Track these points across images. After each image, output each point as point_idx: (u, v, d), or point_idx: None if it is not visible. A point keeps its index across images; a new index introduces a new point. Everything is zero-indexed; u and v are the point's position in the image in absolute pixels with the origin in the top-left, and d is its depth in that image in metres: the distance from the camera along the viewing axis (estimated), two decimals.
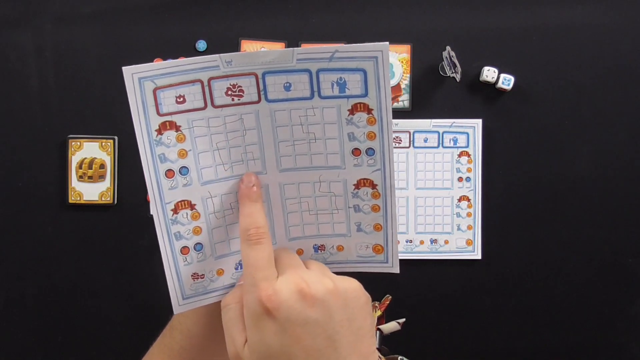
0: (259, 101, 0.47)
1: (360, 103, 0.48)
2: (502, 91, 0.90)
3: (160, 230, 0.47)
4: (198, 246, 0.49)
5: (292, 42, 0.91)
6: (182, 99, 0.46)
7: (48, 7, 0.91)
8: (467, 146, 0.89)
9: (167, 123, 0.46)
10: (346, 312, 0.41)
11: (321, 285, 0.41)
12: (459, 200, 0.91)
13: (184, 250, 0.49)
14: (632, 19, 0.90)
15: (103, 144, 0.90)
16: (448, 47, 0.86)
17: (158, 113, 0.46)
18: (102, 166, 0.90)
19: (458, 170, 0.91)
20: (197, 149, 0.47)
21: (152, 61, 0.91)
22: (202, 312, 0.51)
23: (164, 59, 0.91)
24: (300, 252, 0.51)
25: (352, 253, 0.52)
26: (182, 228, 0.48)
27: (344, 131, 0.49)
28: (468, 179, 0.91)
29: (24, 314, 0.92)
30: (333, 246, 0.52)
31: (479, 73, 0.90)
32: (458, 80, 0.89)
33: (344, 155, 0.49)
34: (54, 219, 0.91)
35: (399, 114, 0.91)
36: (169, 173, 0.47)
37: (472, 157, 0.91)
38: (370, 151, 0.49)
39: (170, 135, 0.47)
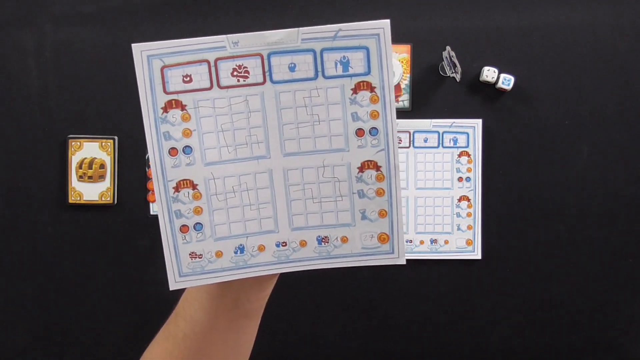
0: (264, 82, 0.48)
1: (363, 81, 0.49)
2: (502, 91, 0.90)
3: (161, 207, 0.48)
4: (198, 226, 0.50)
5: None
6: (188, 79, 0.47)
7: (48, 7, 0.91)
8: (467, 146, 0.89)
9: (173, 102, 0.48)
10: None
11: None
12: (459, 200, 0.91)
13: (184, 228, 0.49)
14: (632, 19, 0.90)
15: (103, 144, 0.90)
16: (448, 47, 0.86)
17: (165, 91, 0.47)
18: (102, 166, 0.90)
19: (458, 170, 0.91)
20: (201, 129, 0.48)
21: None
22: (205, 299, 0.52)
23: None
24: (303, 244, 0.51)
25: (357, 244, 0.52)
26: (182, 207, 0.49)
27: (347, 111, 0.49)
28: (468, 179, 0.91)
29: (24, 314, 0.92)
30: (337, 237, 0.51)
31: (479, 73, 0.90)
32: (458, 80, 0.89)
33: (347, 136, 0.49)
34: (54, 219, 0.91)
35: (399, 114, 0.91)
36: (173, 151, 0.49)
37: (472, 157, 0.91)
38: (373, 131, 0.50)
39: (175, 113, 0.48)
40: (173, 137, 0.49)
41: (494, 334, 0.90)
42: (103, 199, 0.90)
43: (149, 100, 0.47)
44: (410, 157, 0.90)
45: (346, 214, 0.51)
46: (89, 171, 0.90)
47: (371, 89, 0.49)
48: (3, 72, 0.91)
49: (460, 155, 0.90)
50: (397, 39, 0.91)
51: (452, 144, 0.89)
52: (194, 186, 0.49)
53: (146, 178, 0.91)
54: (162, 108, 0.48)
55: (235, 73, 0.48)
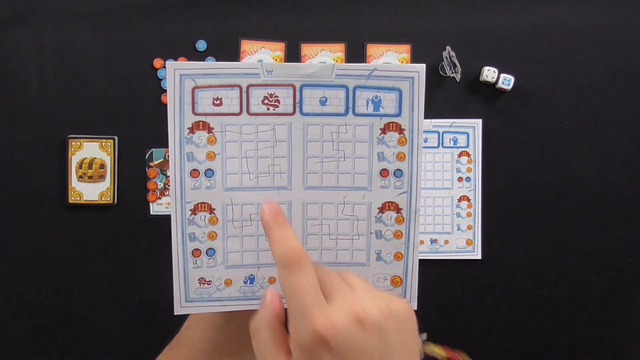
0: (293, 113, 0.48)
1: (393, 122, 0.48)
2: (502, 91, 0.90)
3: (175, 228, 0.48)
4: (210, 251, 0.49)
5: (292, 42, 0.91)
6: (219, 102, 0.47)
7: (48, 7, 0.91)
8: (467, 146, 0.89)
9: (201, 123, 0.47)
10: (400, 335, 0.40)
11: (377, 310, 0.39)
12: (459, 200, 0.91)
13: (196, 252, 0.48)
14: (632, 19, 0.90)
15: (103, 144, 0.90)
16: (448, 47, 0.86)
17: (193, 112, 0.46)
18: (102, 166, 0.90)
19: (458, 170, 0.91)
20: (226, 153, 0.47)
21: (151, 62, 0.92)
22: (210, 328, 0.51)
23: (164, 59, 0.91)
24: None
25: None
26: (197, 230, 0.48)
27: (374, 150, 0.49)
28: (468, 179, 0.91)
29: (24, 314, 0.92)
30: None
31: (479, 73, 0.90)
32: (458, 80, 0.89)
33: (371, 175, 0.49)
34: (54, 219, 0.91)
35: None
36: (194, 173, 0.47)
37: (472, 157, 0.91)
38: (398, 172, 0.49)
39: (201, 135, 0.47)
40: (196, 158, 0.47)
41: (494, 334, 0.90)
42: (103, 199, 0.90)
43: (177, 119, 0.46)
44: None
45: (361, 254, 0.50)
46: (89, 171, 0.90)
47: (400, 130, 0.48)
48: (3, 72, 0.91)
49: (460, 155, 0.90)
50: (397, 39, 0.91)
51: (452, 144, 0.89)
52: (211, 210, 0.48)
53: (146, 178, 0.91)
54: (189, 128, 0.47)
55: (266, 101, 0.47)
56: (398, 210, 0.49)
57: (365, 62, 0.91)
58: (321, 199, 0.49)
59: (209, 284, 0.49)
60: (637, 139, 0.90)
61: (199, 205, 0.48)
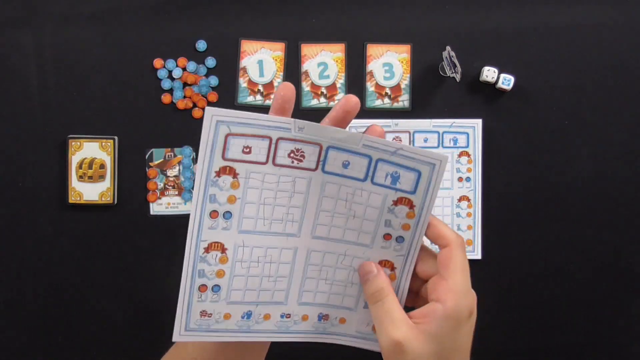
0: (315, 169, 0.50)
1: (405, 198, 0.52)
2: (502, 91, 0.90)
3: (187, 263, 0.50)
4: (216, 288, 0.51)
5: (292, 42, 0.91)
6: (248, 150, 0.49)
7: (48, 7, 0.91)
8: (467, 146, 0.89)
9: (228, 168, 0.49)
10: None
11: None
12: (459, 200, 0.91)
13: (202, 288, 0.51)
14: (632, 19, 0.90)
15: (103, 144, 0.90)
16: (448, 47, 0.86)
17: (223, 157, 0.48)
18: (102, 166, 0.90)
19: (458, 170, 0.91)
20: (246, 198, 0.50)
21: (151, 62, 0.92)
22: (202, 357, 0.54)
23: (164, 59, 0.91)
24: (305, 318, 0.54)
25: (352, 328, 0.55)
26: (207, 267, 0.51)
27: (382, 217, 0.52)
28: (468, 179, 0.91)
29: (24, 314, 0.92)
30: (337, 317, 0.55)
31: (479, 73, 0.90)
32: (458, 80, 0.89)
33: (375, 236, 0.53)
34: (54, 219, 0.91)
35: (399, 114, 0.91)
36: (214, 214, 0.50)
37: (472, 157, 0.91)
38: (400, 239, 0.53)
39: (226, 179, 0.49)
40: (218, 200, 0.49)
41: (494, 334, 0.90)
42: (103, 199, 0.90)
43: (206, 162, 0.48)
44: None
45: (351, 299, 0.54)
46: (89, 171, 0.90)
47: (411, 206, 0.52)
48: (3, 72, 0.91)
49: (460, 155, 0.90)
50: (397, 39, 0.91)
51: (452, 144, 0.89)
52: (223, 249, 0.51)
53: (146, 178, 0.91)
54: (216, 172, 0.49)
55: (292, 154, 0.49)
56: (392, 268, 0.53)
57: (365, 62, 0.91)
58: (325, 249, 0.53)
59: (210, 317, 0.52)
60: (637, 139, 0.90)
61: (213, 244, 0.50)
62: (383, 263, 0.53)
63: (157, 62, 0.91)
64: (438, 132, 0.89)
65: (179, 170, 0.91)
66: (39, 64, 0.91)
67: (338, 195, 0.51)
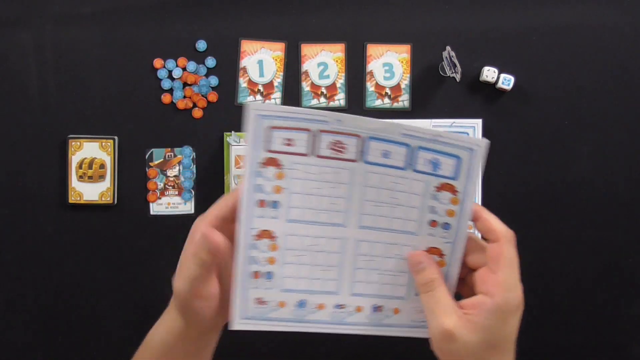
0: (356, 160, 0.52)
1: (448, 184, 0.53)
2: (502, 91, 0.90)
3: (239, 250, 0.52)
4: (269, 275, 0.54)
5: (292, 42, 0.91)
6: (290, 142, 0.52)
7: (48, 7, 0.91)
8: None
9: (272, 159, 0.52)
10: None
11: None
12: None
13: (256, 274, 0.53)
14: (632, 19, 0.90)
15: (103, 144, 0.90)
16: (448, 47, 0.86)
17: (267, 149, 0.51)
18: (102, 166, 0.90)
19: None
20: (291, 189, 0.52)
21: (151, 62, 0.92)
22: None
23: (164, 59, 0.91)
24: (359, 309, 0.56)
25: (407, 317, 0.57)
26: (259, 254, 0.53)
27: (426, 203, 0.54)
28: None
29: (24, 314, 0.92)
30: (390, 308, 0.56)
31: (479, 73, 0.90)
32: (458, 80, 0.89)
33: (421, 223, 0.54)
34: (54, 219, 0.91)
35: (399, 114, 0.91)
36: (262, 203, 0.52)
37: None
38: (446, 226, 0.54)
39: (271, 170, 0.52)
40: (265, 190, 0.52)
41: None
42: (103, 199, 0.90)
43: (252, 154, 0.51)
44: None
45: (402, 288, 0.56)
46: (89, 171, 0.90)
47: (454, 191, 0.54)
48: (3, 72, 0.91)
49: None
50: (397, 39, 0.91)
51: None
52: (273, 237, 0.53)
53: (146, 178, 0.91)
54: (262, 163, 0.51)
55: (332, 146, 0.52)
56: (441, 255, 0.55)
57: (365, 62, 0.91)
58: (373, 238, 0.54)
59: (265, 304, 0.54)
60: (637, 139, 0.90)
61: (263, 232, 0.53)
62: (431, 250, 0.55)
63: (157, 62, 0.91)
64: None
65: (179, 170, 0.91)
66: (39, 64, 0.91)
67: (381, 184, 0.53)
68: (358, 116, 0.51)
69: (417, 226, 0.54)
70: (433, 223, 0.54)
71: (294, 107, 0.51)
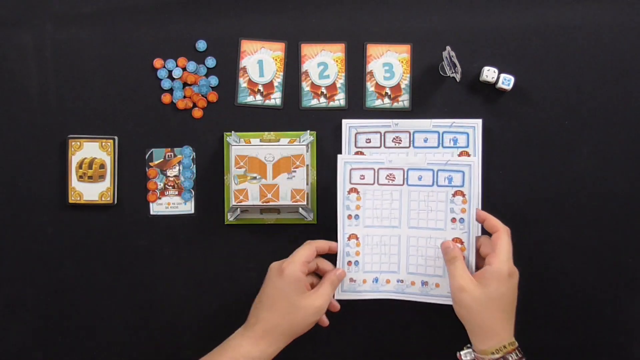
0: (402, 184, 0.84)
1: (459, 191, 0.82)
2: (502, 91, 0.90)
3: (340, 248, 0.84)
4: (356, 262, 0.85)
5: (292, 42, 0.91)
6: (363, 177, 0.84)
7: (48, 7, 0.91)
8: (467, 146, 0.89)
9: (353, 189, 0.84)
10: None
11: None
12: None
13: (349, 263, 0.84)
14: (632, 19, 0.90)
15: (103, 144, 0.90)
16: (448, 47, 0.86)
17: (350, 182, 0.84)
18: (102, 166, 0.90)
19: None
20: (366, 206, 0.84)
21: (152, 61, 0.92)
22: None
23: (164, 59, 0.91)
24: (413, 284, 0.84)
25: (445, 290, 0.83)
26: (350, 250, 0.84)
27: (448, 206, 0.83)
28: None
29: (24, 314, 0.92)
30: (433, 284, 0.84)
31: (479, 73, 0.90)
32: (458, 80, 0.89)
33: (446, 221, 0.83)
34: (54, 219, 0.91)
35: (399, 114, 0.91)
36: (349, 216, 0.84)
37: (472, 156, 0.90)
38: (462, 220, 0.82)
39: (353, 196, 0.84)
40: (350, 208, 0.84)
41: None
42: (103, 199, 0.90)
43: (342, 186, 0.84)
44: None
45: (439, 269, 0.83)
46: (89, 171, 0.90)
47: (463, 195, 0.82)
48: (3, 72, 0.91)
49: (460, 155, 0.89)
50: (397, 39, 0.91)
51: (452, 144, 0.89)
52: (357, 238, 0.84)
53: (146, 178, 0.91)
54: (347, 191, 0.84)
55: (387, 177, 0.84)
56: (461, 242, 0.82)
57: (365, 62, 0.91)
58: (418, 235, 0.84)
59: (355, 282, 0.85)
60: (637, 139, 0.90)
61: (352, 235, 0.84)
62: (455, 240, 0.82)
63: (157, 62, 0.91)
64: (438, 132, 0.89)
65: (179, 170, 0.91)
66: (39, 64, 0.91)
67: (419, 197, 0.83)
68: (401, 156, 0.85)
69: (444, 224, 0.82)
70: (453, 220, 0.82)
71: (363, 156, 0.85)
